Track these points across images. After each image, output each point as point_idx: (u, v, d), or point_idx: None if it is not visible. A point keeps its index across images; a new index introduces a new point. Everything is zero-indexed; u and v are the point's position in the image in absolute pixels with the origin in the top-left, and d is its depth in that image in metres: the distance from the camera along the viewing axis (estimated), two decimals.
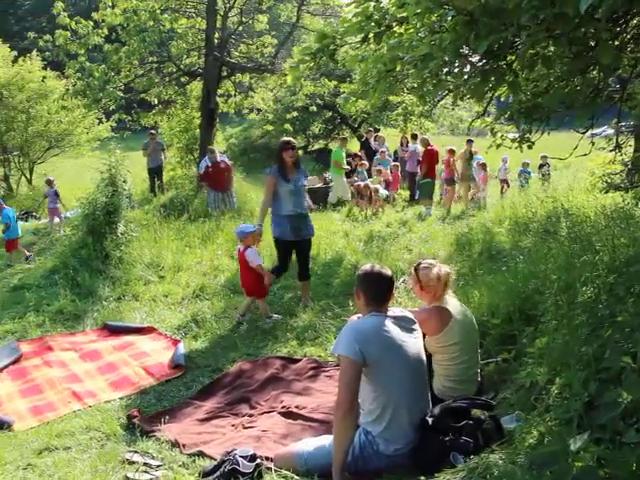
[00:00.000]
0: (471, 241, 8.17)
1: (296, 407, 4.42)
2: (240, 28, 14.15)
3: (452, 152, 13.01)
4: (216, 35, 13.48)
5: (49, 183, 13.18)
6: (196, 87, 15.07)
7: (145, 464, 3.77)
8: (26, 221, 14.17)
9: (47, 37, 13.30)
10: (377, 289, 3.50)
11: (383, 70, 3.71)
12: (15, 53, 16.67)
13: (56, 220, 12.83)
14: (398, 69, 3.64)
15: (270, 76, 14.28)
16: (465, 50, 3.15)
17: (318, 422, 4.13)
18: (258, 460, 3.43)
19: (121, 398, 5.05)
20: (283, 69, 12.84)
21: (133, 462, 3.81)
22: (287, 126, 18.21)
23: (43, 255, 10.06)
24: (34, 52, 16.17)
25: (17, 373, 5.71)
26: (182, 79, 14.75)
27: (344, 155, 13.66)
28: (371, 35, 3.41)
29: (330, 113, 24.01)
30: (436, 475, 3.01)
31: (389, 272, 3.60)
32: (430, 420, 3.34)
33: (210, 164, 12.00)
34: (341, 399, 3.20)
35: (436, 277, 3.89)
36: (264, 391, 4.86)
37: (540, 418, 3.14)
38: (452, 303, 3.95)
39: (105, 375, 5.56)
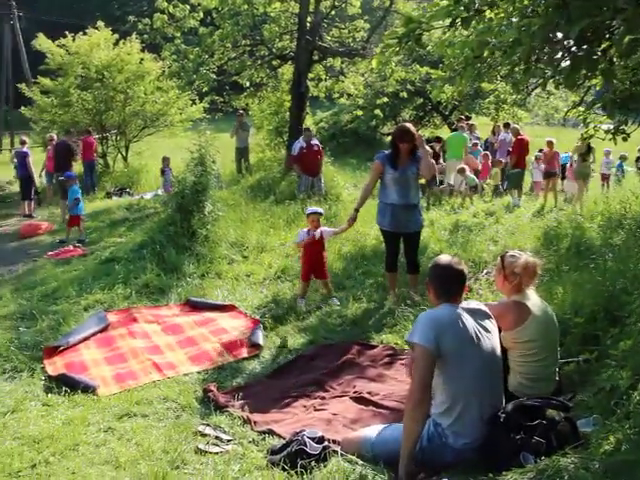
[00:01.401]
0: (559, 235, 7.88)
1: (368, 393, 4.42)
2: (333, 12, 14.12)
3: (551, 144, 12.55)
4: (308, 19, 13.50)
5: (165, 161, 13.95)
6: (287, 70, 15.16)
7: (216, 437, 3.89)
8: (120, 197, 14.74)
9: (146, 21, 13.75)
10: (446, 283, 3.42)
11: (470, 56, 3.61)
12: (116, 36, 17.28)
13: None
14: (486, 55, 3.54)
15: (361, 61, 14.17)
16: (557, 36, 3.01)
17: (389, 410, 4.12)
18: (325, 442, 3.46)
19: (199, 372, 5.20)
20: (374, 54, 12.74)
21: (205, 434, 3.94)
22: (377, 112, 18.07)
23: (134, 230, 10.45)
24: (133, 35, 16.70)
25: (104, 341, 5.98)
26: (274, 62, 14.88)
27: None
28: (459, 20, 3.31)
29: (421, 100, 23.64)
30: (504, 473, 2.94)
31: (461, 266, 3.47)
32: (502, 417, 3.25)
33: (304, 145, 11.98)
34: (413, 388, 3.17)
35: (523, 266, 3.75)
36: (338, 375, 4.88)
37: (619, 424, 3.02)
38: (533, 299, 3.81)
39: (185, 349, 5.74)
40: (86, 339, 5.97)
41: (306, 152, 11.98)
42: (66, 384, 4.89)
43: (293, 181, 12.73)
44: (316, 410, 4.28)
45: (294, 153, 12.19)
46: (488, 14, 3.46)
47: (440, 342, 3.15)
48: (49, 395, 4.77)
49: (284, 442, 3.62)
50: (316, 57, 14.13)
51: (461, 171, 12.31)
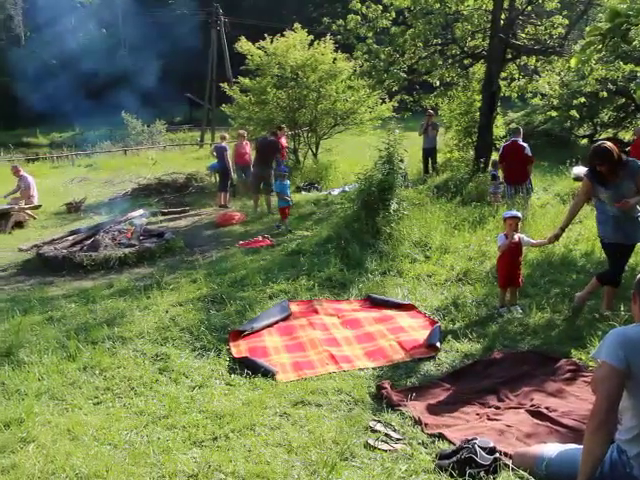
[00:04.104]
0: None
1: (546, 408, 4.22)
2: (529, 8, 13.50)
3: None
4: (502, 16, 13.06)
5: None
6: (479, 69, 14.81)
7: (386, 435, 3.93)
8: (308, 192, 15.31)
9: (340, 22, 14.14)
10: None
11: None
12: (311, 37, 17.98)
13: None
14: None
15: (558, 59, 13.44)
16: None
17: (567, 428, 3.90)
18: (497, 454, 3.37)
19: (374, 368, 5.26)
20: (572, 52, 12.01)
21: (375, 431, 4.00)
22: (573, 112, 17.06)
23: (320, 225, 10.81)
24: (327, 36, 17.27)
25: (285, 329, 6.28)
26: (465, 61, 14.60)
27: None
28: None
29: (623, 100, 21.87)
30: None
31: None
32: None
33: (508, 142, 11.28)
34: (597, 409, 2.93)
35: None
36: (515, 385, 4.71)
37: None
38: None
39: (362, 344, 5.84)
40: (269, 326, 6.33)
41: (510, 147, 11.09)
42: (248, 367, 5.24)
43: (481, 182, 12.42)
44: (489, 419, 4.17)
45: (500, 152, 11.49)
46: None
47: (631, 361, 2.90)
48: (232, 375, 5.14)
49: (454, 448, 3.57)
50: (509, 55, 13.63)
51: None
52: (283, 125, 15.94)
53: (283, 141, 15.19)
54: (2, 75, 58.62)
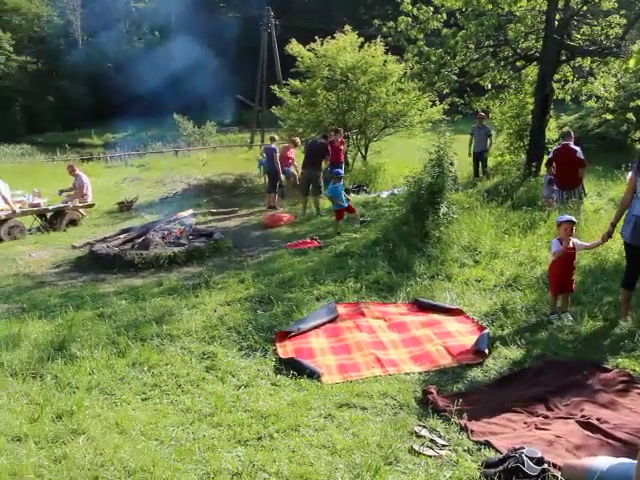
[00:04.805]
0: None
1: (597, 419, 4.11)
2: (584, 8, 13.18)
3: None
4: (557, 16, 12.77)
5: None
6: (532, 71, 14.53)
7: (431, 440, 3.89)
8: (357, 194, 15.29)
9: (390, 24, 14.06)
10: None
11: None
12: (362, 39, 17.97)
13: None
14: None
15: (614, 60, 13.07)
16: None
17: (620, 441, 3.79)
18: (545, 465, 3.30)
19: (420, 372, 5.22)
20: (630, 52, 11.66)
21: (420, 436, 3.97)
22: (629, 115, 16.60)
23: (368, 227, 10.78)
24: (378, 38, 17.24)
25: (332, 331, 6.28)
26: (517, 63, 14.32)
27: None
28: None
29: None
30: None
31: None
32: None
33: (559, 146, 10.91)
34: None
35: None
36: (565, 395, 4.61)
37: None
38: None
39: (408, 348, 5.80)
40: (316, 328, 6.34)
41: (561, 150, 10.70)
42: (294, 368, 5.26)
43: (532, 187, 12.19)
44: (537, 428, 4.08)
45: (550, 156, 11.09)
46: None
47: None
48: (278, 376, 5.17)
49: (501, 457, 3.52)
50: (563, 57, 13.31)
51: None
52: (339, 128, 15.97)
53: (340, 143, 15.19)
54: (61, 78, 60.48)
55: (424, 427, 4.09)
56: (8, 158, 39.23)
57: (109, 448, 3.94)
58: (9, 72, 59.87)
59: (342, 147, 15.68)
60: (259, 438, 4.06)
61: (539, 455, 3.35)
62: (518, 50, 13.86)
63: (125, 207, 15.65)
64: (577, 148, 10.73)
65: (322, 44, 17.79)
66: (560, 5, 12.77)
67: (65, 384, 5.03)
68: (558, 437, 3.86)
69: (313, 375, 5.13)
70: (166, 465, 3.72)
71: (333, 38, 17.93)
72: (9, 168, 27.43)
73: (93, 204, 14.58)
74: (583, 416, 4.20)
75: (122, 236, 11.21)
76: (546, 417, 4.28)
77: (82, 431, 4.21)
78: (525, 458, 3.30)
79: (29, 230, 12.91)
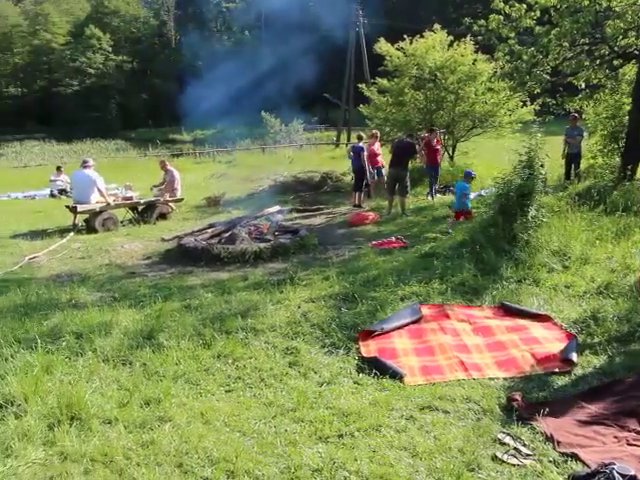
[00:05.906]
0: None
1: None
2: None
3: None
4: None
5: None
6: (630, 70, 13.87)
7: (515, 449, 3.81)
8: (444, 195, 15.10)
9: (481, 22, 13.76)
10: None
11: None
12: (451, 38, 17.73)
13: None
14: None
15: None
16: None
17: None
18: None
19: (505, 378, 5.11)
20: None
21: (504, 443, 3.89)
22: None
23: (454, 228, 10.63)
24: (468, 37, 16.96)
25: (415, 332, 6.23)
26: (615, 62, 13.70)
27: None
28: None
29: None
30: None
31: None
32: None
33: None
34: None
35: None
36: None
37: None
38: None
39: (493, 352, 5.68)
40: (399, 328, 6.29)
41: None
42: (376, 367, 5.26)
43: (627, 191, 11.68)
44: (629, 444, 3.91)
45: None
46: None
47: None
48: (360, 375, 5.18)
49: (589, 471, 3.40)
50: None
51: None
52: (435, 127, 15.83)
53: (437, 143, 15.04)
54: (155, 77, 62.69)
55: (508, 434, 4.00)
56: (104, 153, 41.07)
57: (194, 437, 4.06)
58: (107, 71, 62.68)
59: (439, 147, 15.51)
60: (340, 436, 4.09)
61: (632, 473, 3.21)
62: (616, 48, 13.26)
63: (213, 202, 16.06)
64: None
65: (411, 43, 17.66)
66: None
67: (153, 372, 5.22)
68: None
69: (396, 375, 5.11)
70: (248, 457, 3.81)
71: (422, 37, 17.77)
72: (104, 163, 28.71)
73: (182, 198, 15.03)
74: None
75: (210, 230, 11.51)
76: (639, 433, 4.10)
77: (168, 418, 4.36)
78: (616, 475, 3.16)
79: (122, 222, 13.46)
